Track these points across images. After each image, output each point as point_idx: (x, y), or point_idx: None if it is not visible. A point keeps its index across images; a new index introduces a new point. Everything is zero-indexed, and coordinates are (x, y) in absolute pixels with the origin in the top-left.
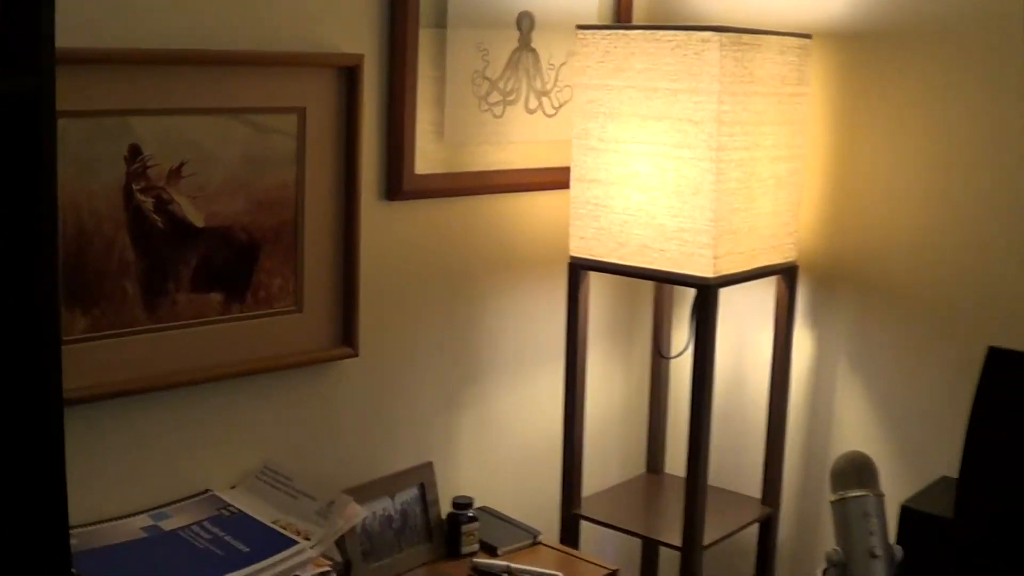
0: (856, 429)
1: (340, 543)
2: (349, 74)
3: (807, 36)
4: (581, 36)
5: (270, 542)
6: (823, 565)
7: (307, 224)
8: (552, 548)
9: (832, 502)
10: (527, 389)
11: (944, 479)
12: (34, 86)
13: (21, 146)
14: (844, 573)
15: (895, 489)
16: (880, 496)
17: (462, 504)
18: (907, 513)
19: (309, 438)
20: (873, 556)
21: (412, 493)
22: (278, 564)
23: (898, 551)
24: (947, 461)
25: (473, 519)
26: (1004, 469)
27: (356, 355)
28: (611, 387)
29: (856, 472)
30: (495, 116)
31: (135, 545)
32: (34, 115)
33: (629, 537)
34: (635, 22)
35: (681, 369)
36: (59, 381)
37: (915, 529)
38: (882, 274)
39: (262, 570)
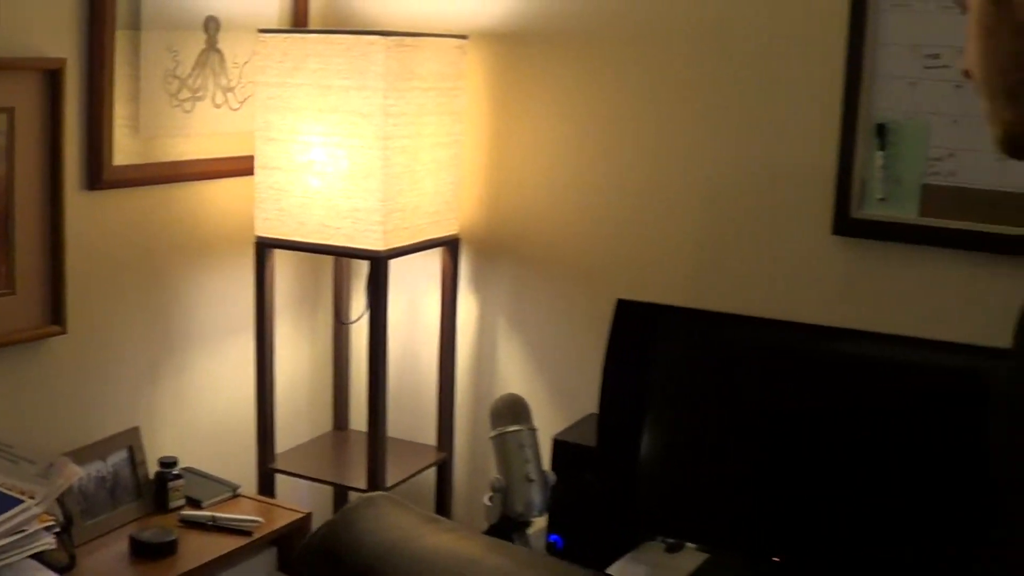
0: (516, 377)
1: (61, 502)
2: (53, 76)
3: (464, 37)
4: (262, 39)
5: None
6: (489, 493)
7: (17, 214)
8: (251, 499)
9: (492, 437)
10: (223, 359)
11: (591, 415)
12: None
13: None
14: (506, 497)
15: (550, 425)
16: (533, 430)
17: (167, 463)
18: (558, 444)
19: (26, 409)
20: (529, 480)
21: (122, 455)
22: (7, 521)
23: (551, 476)
24: (592, 400)
25: (178, 476)
26: (633, 403)
27: (65, 333)
28: (299, 353)
29: (511, 411)
30: (185, 111)
31: None
32: None
33: (321, 486)
34: (312, 27)
35: (362, 333)
36: None
37: (565, 457)
38: (534, 243)
39: None
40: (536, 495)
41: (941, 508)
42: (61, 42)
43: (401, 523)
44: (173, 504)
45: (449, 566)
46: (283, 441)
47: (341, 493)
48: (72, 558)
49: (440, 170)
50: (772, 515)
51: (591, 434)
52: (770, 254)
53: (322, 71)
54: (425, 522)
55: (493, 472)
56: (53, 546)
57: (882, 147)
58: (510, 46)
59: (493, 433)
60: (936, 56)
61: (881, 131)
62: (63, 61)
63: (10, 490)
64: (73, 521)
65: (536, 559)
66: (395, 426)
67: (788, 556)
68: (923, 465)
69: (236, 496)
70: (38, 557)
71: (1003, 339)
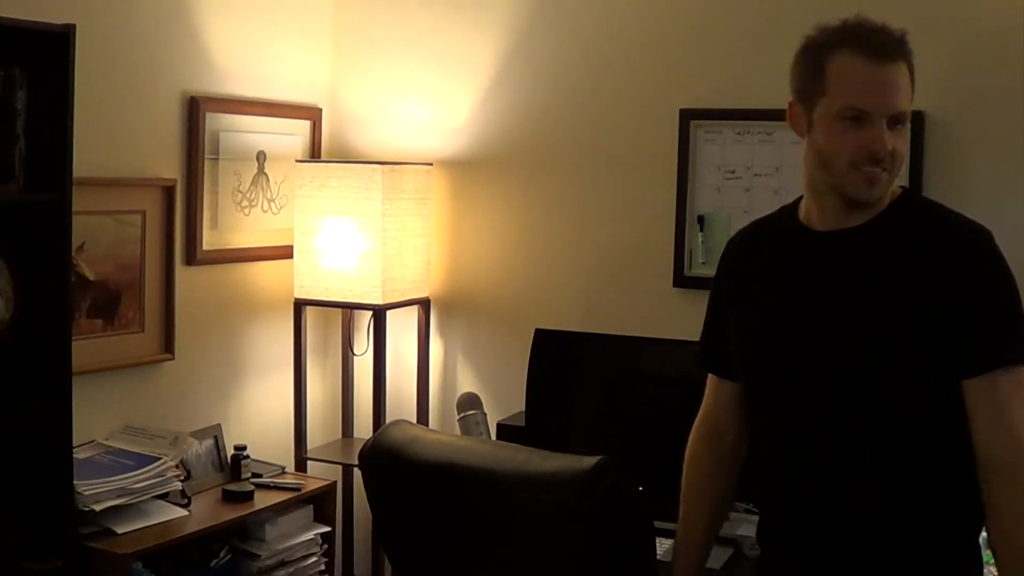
0: (469, 388)
1: (182, 462)
2: (169, 191)
3: (430, 164)
4: (299, 166)
5: (145, 459)
6: None
7: (146, 278)
8: (293, 474)
9: (458, 419)
10: (271, 381)
11: (521, 412)
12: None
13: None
14: None
15: (495, 415)
16: (484, 415)
17: (240, 448)
18: (500, 426)
19: (149, 408)
20: None
21: (211, 442)
22: (153, 468)
23: None
24: (521, 399)
25: (247, 457)
26: (548, 400)
27: (174, 359)
28: (321, 377)
29: (469, 401)
30: (245, 215)
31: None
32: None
33: (335, 468)
34: (323, 157)
35: (363, 365)
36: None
37: (506, 433)
38: (479, 300)
39: (147, 471)
40: None
41: None
42: (173, 168)
43: (416, 430)
44: (244, 475)
45: (449, 443)
46: (311, 441)
47: (349, 472)
48: (189, 499)
49: (416, 253)
50: (639, 461)
51: (522, 420)
52: (633, 298)
53: (339, 187)
54: (432, 431)
55: None
56: (180, 488)
57: (702, 230)
58: (461, 170)
59: (459, 416)
60: (733, 171)
61: (700, 220)
62: (175, 180)
63: (151, 453)
64: (191, 474)
65: (499, 444)
66: None
67: (646, 487)
68: None
69: (283, 473)
70: (164, 498)
71: None
